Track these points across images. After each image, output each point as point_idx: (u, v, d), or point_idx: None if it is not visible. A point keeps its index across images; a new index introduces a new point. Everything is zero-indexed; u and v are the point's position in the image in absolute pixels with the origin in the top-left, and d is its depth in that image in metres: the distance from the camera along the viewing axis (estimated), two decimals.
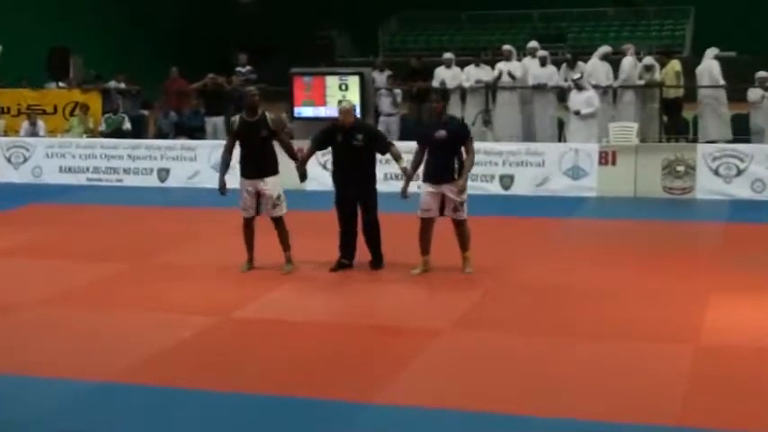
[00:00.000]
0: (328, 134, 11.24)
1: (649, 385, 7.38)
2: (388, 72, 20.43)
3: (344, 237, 11.16)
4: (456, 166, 10.71)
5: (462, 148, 10.80)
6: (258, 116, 11.05)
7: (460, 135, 10.86)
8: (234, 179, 11.26)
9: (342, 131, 11.05)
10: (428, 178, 10.81)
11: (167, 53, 28.34)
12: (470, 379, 7.63)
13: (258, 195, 11.05)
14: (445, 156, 10.73)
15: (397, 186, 16.76)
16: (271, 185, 11.04)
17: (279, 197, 11.07)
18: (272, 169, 11.11)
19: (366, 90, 18.50)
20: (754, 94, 17.98)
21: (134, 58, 27.11)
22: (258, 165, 11.02)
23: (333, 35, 32.14)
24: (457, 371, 7.85)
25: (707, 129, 18.09)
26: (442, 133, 10.73)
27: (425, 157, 10.92)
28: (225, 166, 11.23)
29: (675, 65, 18.88)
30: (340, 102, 13.18)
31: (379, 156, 11.37)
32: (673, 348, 8.28)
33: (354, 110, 11.57)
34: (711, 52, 18.46)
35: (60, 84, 22.40)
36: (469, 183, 16.28)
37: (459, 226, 10.92)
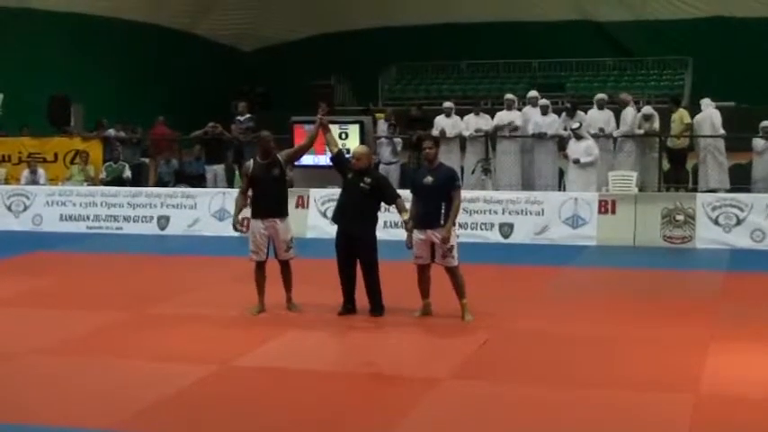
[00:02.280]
0: (346, 163, 11.35)
1: None
2: (390, 121, 20.53)
3: (342, 279, 11.22)
4: (443, 212, 10.74)
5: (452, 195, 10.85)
6: (271, 158, 11.32)
7: (447, 182, 10.89)
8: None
9: (353, 170, 11.16)
10: (416, 224, 10.86)
11: (168, 101, 28.50)
12: (470, 428, 7.59)
13: (270, 238, 11.27)
14: (432, 202, 10.78)
15: (396, 234, 16.84)
16: (284, 226, 11.34)
17: (291, 239, 11.40)
18: (285, 210, 11.46)
19: (366, 138, 18.58)
20: (758, 143, 18.07)
21: (135, 107, 27.22)
22: (271, 204, 11.29)
23: (332, 84, 32.29)
24: (456, 420, 7.80)
25: (708, 177, 18.16)
26: (428, 179, 10.83)
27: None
28: (239, 207, 11.51)
29: (685, 115, 18.92)
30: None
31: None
32: (672, 398, 8.24)
33: (369, 156, 11.60)
34: (708, 102, 18.55)
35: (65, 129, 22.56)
36: (469, 231, 16.63)
37: (450, 272, 10.91)
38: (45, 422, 7.75)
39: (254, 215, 11.36)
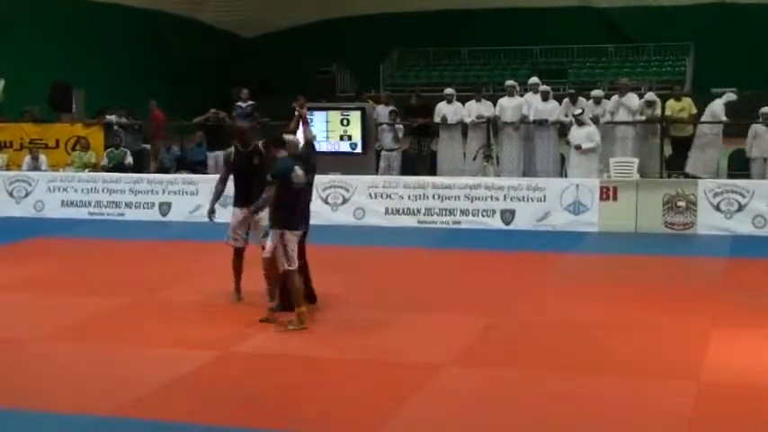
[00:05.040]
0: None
1: (651, 422, 7.37)
2: (390, 107, 20.46)
3: None
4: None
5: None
6: (251, 147, 11.38)
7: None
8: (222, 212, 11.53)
9: None
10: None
11: (170, 87, 28.47)
12: (471, 415, 7.61)
13: (249, 225, 11.33)
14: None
15: (396, 221, 16.87)
16: (264, 214, 11.23)
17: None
18: None
19: (367, 125, 18.57)
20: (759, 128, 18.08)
21: (136, 93, 27.18)
22: (251, 193, 11.20)
23: (334, 70, 32.28)
24: (457, 407, 7.82)
25: (696, 163, 18.20)
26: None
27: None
28: (217, 195, 11.62)
29: (692, 105, 18.87)
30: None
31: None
32: (674, 384, 8.26)
33: (293, 147, 11.25)
34: (726, 97, 18.39)
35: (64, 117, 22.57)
36: (471, 217, 16.71)
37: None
38: (48, 408, 7.77)
39: (236, 203, 11.41)
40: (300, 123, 11.63)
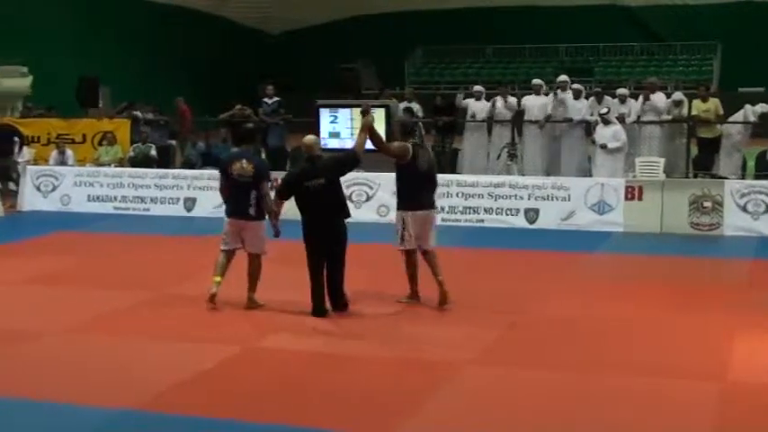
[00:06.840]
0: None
1: (676, 423, 7.34)
2: (404, 104, 20.35)
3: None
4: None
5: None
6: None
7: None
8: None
9: None
10: None
11: (194, 84, 28.55)
12: (493, 414, 7.60)
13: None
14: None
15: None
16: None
17: None
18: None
19: (392, 122, 18.56)
20: None
21: (161, 89, 27.30)
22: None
23: (358, 67, 32.27)
24: (480, 405, 7.81)
25: (725, 165, 18.14)
26: None
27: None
28: None
29: (718, 106, 18.77)
30: None
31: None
32: (699, 386, 8.22)
33: (309, 146, 10.90)
34: (761, 107, 18.28)
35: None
36: (494, 216, 16.70)
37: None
38: (68, 400, 7.81)
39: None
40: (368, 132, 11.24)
